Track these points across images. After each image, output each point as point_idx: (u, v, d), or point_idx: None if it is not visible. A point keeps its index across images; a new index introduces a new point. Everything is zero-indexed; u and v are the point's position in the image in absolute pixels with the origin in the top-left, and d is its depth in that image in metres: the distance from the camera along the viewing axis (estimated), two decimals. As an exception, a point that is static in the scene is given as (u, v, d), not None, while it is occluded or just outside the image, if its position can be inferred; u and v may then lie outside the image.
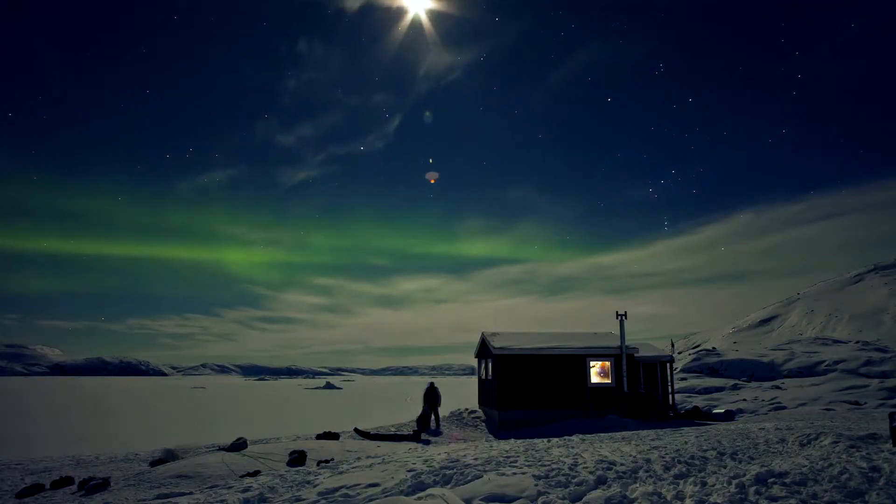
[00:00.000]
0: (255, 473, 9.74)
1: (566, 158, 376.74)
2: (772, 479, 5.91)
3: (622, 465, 7.04)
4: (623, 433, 12.61)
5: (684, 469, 6.83)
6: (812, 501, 5.24)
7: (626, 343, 19.69)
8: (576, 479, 6.27)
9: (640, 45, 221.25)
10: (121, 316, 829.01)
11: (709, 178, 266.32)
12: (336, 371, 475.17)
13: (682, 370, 35.09)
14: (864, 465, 6.45)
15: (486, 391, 21.48)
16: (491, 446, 9.57)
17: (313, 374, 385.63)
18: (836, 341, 41.45)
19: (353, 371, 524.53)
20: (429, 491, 5.95)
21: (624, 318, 19.76)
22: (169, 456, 12.50)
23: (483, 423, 19.73)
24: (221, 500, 6.53)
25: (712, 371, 34.77)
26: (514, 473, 6.58)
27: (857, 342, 39.91)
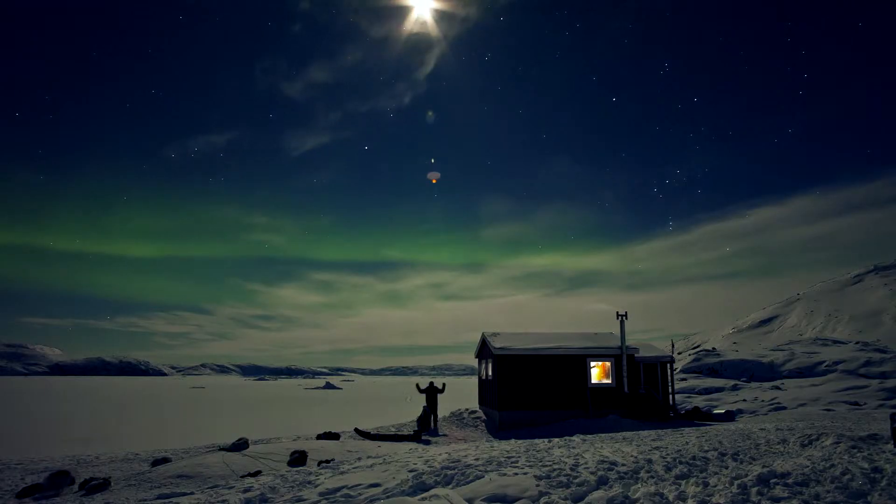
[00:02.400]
0: (256, 473, 9.73)
1: (569, 158, 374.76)
2: (774, 480, 5.91)
3: (623, 465, 7.03)
4: (624, 433, 12.61)
5: (686, 469, 6.83)
6: (814, 502, 5.23)
7: (627, 343, 19.68)
8: (577, 480, 6.27)
9: (644, 44, 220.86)
10: (111, 314, 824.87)
11: (712, 177, 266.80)
12: (336, 371, 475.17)
13: (683, 370, 35.11)
14: (866, 465, 6.44)
15: (487, 391, 21.47)
16: (492, 446, 9.58)
17: (313, 374, 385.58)
18: (835, 342, 41.47)
19: (353, 371, 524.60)
20: (432, 491, 5.94)
21: (624, 318, 19.75)
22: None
23: (483, 424, 19.71)
24: (223, 500, 6.53)
25: (712, 371, 34.79)
26: (516, 474, 6.57)
27: (857, 343, 39.93)
